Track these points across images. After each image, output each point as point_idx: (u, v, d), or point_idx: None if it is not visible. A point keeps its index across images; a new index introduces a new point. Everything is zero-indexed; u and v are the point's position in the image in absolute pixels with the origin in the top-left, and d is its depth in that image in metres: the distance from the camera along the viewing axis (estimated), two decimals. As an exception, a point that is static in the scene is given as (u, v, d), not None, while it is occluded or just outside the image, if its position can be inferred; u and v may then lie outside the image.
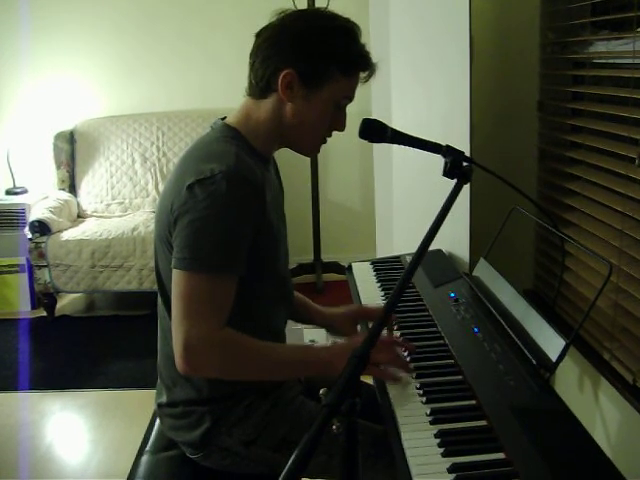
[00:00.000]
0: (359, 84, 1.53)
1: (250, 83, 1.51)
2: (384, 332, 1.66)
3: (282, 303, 1.66)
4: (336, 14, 1.50)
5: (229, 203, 1.36)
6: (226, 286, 1.39)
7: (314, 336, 3.38)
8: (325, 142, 1.58)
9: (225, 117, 1.57)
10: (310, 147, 1.59)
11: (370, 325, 1.79)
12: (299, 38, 1.44)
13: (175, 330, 1.36)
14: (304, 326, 3.34)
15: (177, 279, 1.38)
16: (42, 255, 4.09)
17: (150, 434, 1.71)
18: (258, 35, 1.50)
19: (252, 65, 1.49)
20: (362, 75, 1.51)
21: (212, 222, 1.36)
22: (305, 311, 1.84)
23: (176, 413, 1.57)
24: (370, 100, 2.91)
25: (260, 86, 1.48)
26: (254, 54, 1.49)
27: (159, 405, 1.62)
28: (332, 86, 1.47)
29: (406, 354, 1.57)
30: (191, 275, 1.36)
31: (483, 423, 1.27)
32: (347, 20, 1.50)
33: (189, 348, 1.34)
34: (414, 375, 1.46)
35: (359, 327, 1.81)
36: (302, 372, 1.60)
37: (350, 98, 1.53)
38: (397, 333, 1.70)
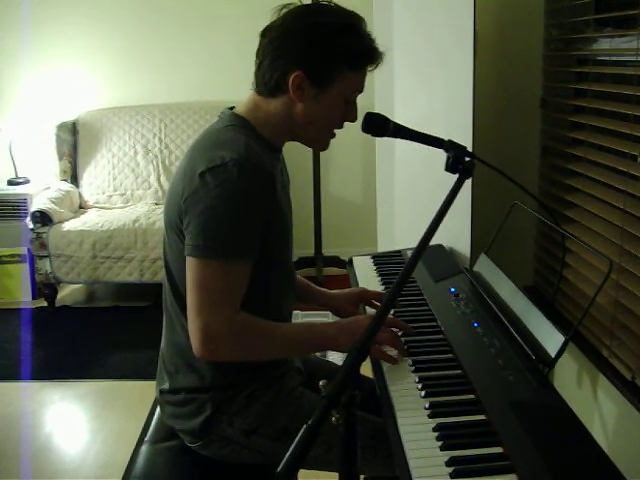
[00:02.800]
0: (367, 74, 1.53)
1: (257, 81, 1.51)
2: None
3: (290, 291, 1.68)
4: (340, 9, 1.49)
5: (240, 190, 1.38)
6: (240, 272, 1.42)
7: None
8: (334, 136, 1.59)
9: (233, 107, 1.57)
10: (321, 143, 1.61)
11: (368, 310, 1.83)
12: (306, 39, 1.44)
13: (192, 318, 1.39)
14: (303, 313, 3.39)
15: (192, 266, 1.39)
16: (43, 245, 4.10)
17: (150, 424, 1.72)
18: (263, 35, 1.49)
19: (259, 65, 1.49)
20: (370, 67, 1.51)
21: (224, 210, 1.37)
22: (307, 292, 1.87)
23: (177, 400, 1.57)
24: (373, 94, 2.90)
25: (269, 87, 1.48)
26: (260, 55, 1.49)
27: (160, 392, 1.63)
28: (342, 83, 1.47)
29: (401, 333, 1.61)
30: (206, 262, 1.38)
31: (481, 417, 1.28)
32: (352, 14, 1.49)
33: (208, 335, 1.37)
34: (409, 359, 1.50)
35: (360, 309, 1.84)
36: (309, 348, 1.65)
37: (360, 90, 1.53)
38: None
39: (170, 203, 1.49)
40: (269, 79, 1.47)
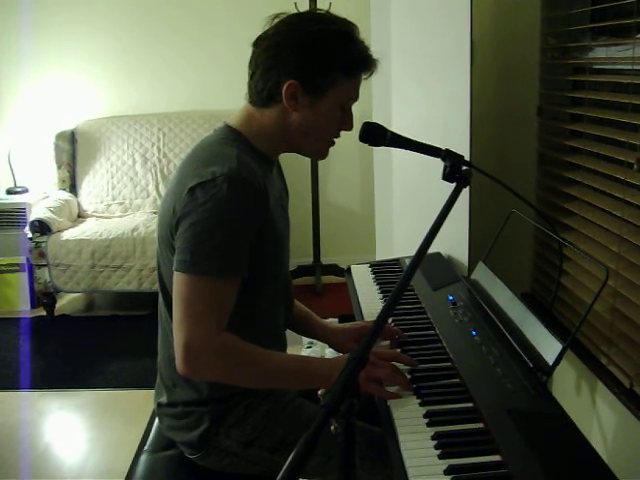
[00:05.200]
0: (362, 82, 1.52)
1: (251, 91, 1.50)
2: (385, 343, 1.66)
3: (283, 305, 1.66)
4: (333, 16, 1.49)
5: (230, 206, 1.36)
6: (227, 289, 1.39)
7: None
8: (333, 144, 1.58)
9: None
10: (319, 152, 1.60)
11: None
12: (299, 48, 1.43)
13: (176, 332, 1.37)
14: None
15: (178, 281, 1.38)
16: (42, 254, 4.10)
17: (149, 433, 1.71)
18: (255, 45, 1.48)
19: (252, 75, 1.48)
20: (365, 74, 1.51)
21: (213, 225, 1.36)
22: (307, 323, 1.82)
23: (175, 413, 1.57)
24: (370, 103, 2.91)
25: (262, 97, 1.47)
26: (253, 65, 1.48)
27: (158, 405, 1.63)
28: (336, 90, 1.46)
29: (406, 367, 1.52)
30: (192, 278, 1.36)
31: (480, 426, 1.28)
32: (344, 21, 1.49)
33: (189, 350, 1.35)
34: (413, 392, 1.42)
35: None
36: (300, 384, 1.55)
37: (355, 98, 1.53)
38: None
39: (162, 218, 1.49)
40: (262, 89, 1.46)
